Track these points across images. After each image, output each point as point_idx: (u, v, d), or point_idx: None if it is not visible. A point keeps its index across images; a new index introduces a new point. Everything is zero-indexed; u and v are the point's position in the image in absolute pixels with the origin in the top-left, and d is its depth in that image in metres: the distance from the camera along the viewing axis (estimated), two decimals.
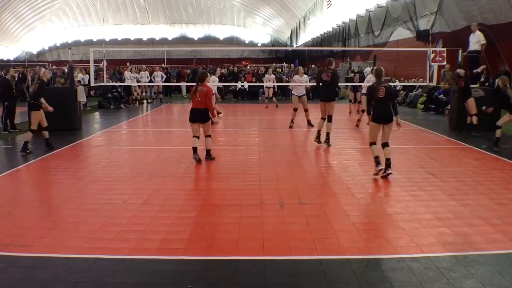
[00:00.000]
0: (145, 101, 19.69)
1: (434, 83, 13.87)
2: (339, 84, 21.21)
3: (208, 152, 7.83)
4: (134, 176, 6.77)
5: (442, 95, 14.70)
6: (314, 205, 5.34)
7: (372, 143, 6.76)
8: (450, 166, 7.33)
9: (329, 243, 4.22)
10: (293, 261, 3.86)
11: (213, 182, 6.46)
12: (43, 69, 11.33)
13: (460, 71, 10.72)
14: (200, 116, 7.63)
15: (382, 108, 6.60)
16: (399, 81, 19.88)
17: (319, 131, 9.28)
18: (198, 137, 7.72)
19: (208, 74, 8.57)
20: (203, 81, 7.73)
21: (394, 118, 6.59)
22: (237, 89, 21.63)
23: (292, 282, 3.49)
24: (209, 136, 7.79)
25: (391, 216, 4.92)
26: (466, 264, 3.73)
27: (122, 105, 17.93)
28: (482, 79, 13.89)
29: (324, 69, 10.31)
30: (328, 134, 9.07)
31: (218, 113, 14.46)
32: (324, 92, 9.27)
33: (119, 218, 4.87)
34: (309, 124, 11.80)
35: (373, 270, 3.67)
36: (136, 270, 3.70)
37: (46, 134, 8.88)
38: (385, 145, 6.68)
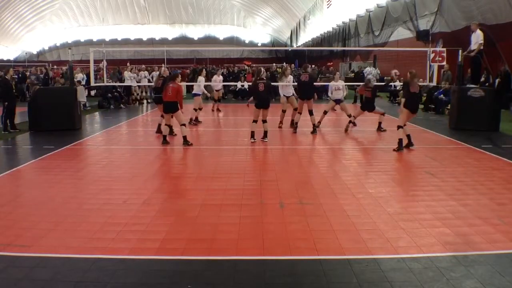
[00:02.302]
0: (145, 101, 19.69)
1: (434, 83, 13.86)
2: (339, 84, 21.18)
3: (184, 138, 9.13)
4: (134, 176, 6.77)
5: (442, 95, 14.70)
6: (314, 205, 5.34)
7: (254, 121, 9.63)
8: (450, 166, 7.33)
9: (329, 243, 4.22)
10: (293, 261, 3.86)
11: (213, 182, 6.46)
12: (163, 67, 12.36)
13: (370, 81, 11.37)
14: (171, 107, 9.06)
15: (261, 97, 9.46)
16: (399, 81, 19.87)
17: (293, 121, 11.31)
18: (171, 126, 9.34)
19: (179, 75, 9.84)
20: (174, 79, 9.30)
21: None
22: (237, 89, 21.64)
23: (292, 282, 3.49)
24: (184, 124, 9.19)
25: (391, 216, 4.92)
26: (466, 264, 3.73)
27: (122, 105, 17.93)
28: (483, 79, 13.90)
29: (302, 71, 11.67)
30: (314, 124, 10.81)
31: (218, 110, 14.89)
32: (303, 92, 10.72)
33: (119, 218, 4.87)
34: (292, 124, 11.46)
35: (373, 270, 3.67)
36: (136, 270, 3.70)
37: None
38: (264, 121, 9.59)
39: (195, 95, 12.84)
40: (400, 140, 8.57)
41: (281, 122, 11.82)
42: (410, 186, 6.13)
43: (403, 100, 9.30)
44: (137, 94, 19.58)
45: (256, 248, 4.10)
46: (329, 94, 12.32)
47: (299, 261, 3.85)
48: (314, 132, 10.71)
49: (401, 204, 5.34)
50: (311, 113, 10.70)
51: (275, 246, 4.14)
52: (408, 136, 8.76)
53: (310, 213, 5.03)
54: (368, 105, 10.92)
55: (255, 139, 9.53)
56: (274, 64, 29.78)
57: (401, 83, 18.85)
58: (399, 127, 8.72)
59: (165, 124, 9.41)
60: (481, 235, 4.35)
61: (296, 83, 11.80)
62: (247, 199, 5.57)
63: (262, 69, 10.29)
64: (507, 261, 3.81)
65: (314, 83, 11.59)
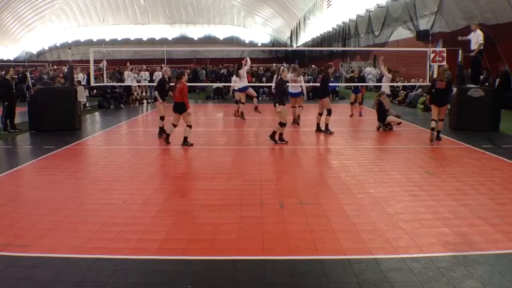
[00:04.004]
0: (145, 101, 19.70)
1: None
2: (340, 84, 21.30)
3: (184, 139, 9.15)
4: (134, 176, 6.77)
5: None
6: (314, 205, 5.34)
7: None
8: (450, 166, 7.33)
9: (329, 243, 4.22)
10: (293, 261, 3.86)
11: (213, 182, 6.46)
12: (165, 68, 12.42)
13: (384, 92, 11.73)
14: (178, 108, 9.07)
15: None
16: (400, 81, 19.88)
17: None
18: (175, 126, 9.29)
19: (185, 73, 9.74)
20: (180, 78, 9.17)
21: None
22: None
23: (292, 282, 3.49)
24: (189, 126, 9.18)
25: (391, 216, 4.91)
26: (466, 264, 3.73)
27: (122, 105, 17.93)
28: (482, 78, 13.91)
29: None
30: (326, 124, 10.75)
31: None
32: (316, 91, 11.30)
33: (119, 218, 4.87)
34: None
35: (373, 270, 3.67)
36: (136, 270, 3.70)
37: (162, 123, 10.27)
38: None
39: (242, 90, 13.14)
40: (432, 129, 9.32)
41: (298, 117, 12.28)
42: (410, 186, 6.13)
43: (428, 96, 10.15)
44: (137, 94, 19.59)
45: (256, 248, 4.10)
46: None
47: (299, 261, 3.85)
48: (327, 131, 10.65)
49: (401, 204, 5.34)
50: (328, 112, 10.62)
51: (275, 246, 4.14)
52: (438, 131, 9.44)
53: (310, 213, 5.03)
54: (381, 116, 11.15)
55: (284, 141, 9.40)
56: (274, 64, 29.79)
57: (402, 83, 18.93)
58: (432, 120, 9.48)
59: (172, 123, 9.34)
60: (481, 235, 4.35)
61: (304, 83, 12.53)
62: (247, 199, 5.57)
63: (282, 67, 10.20)
64: (507, 261, 3.81)
65: (328, 83, 11.23)
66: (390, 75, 12.81)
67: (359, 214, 5.02)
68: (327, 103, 10.75)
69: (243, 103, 13.21)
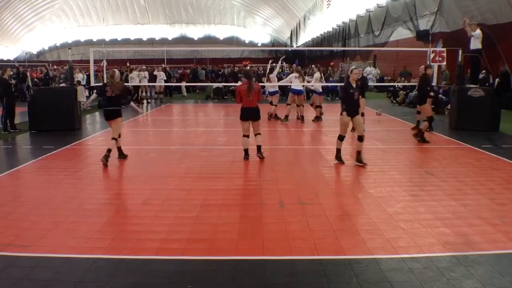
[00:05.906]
0: (145, 101, 19.69)
1: (434, 83, 13.84)
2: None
3: (258, 148, 7.86)
4: (134, 176, 6.77)
5: (442, 95, 14.68)
6: (314, 205, 5.34)
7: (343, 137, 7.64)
8: (450, 166, 7.33)
9: (329, 243, 4.22)
10: (293, 261, 3.86)
11: (213, 182, 6.46)
12: (116, 72, 10.20)
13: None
14: (252, 114, 7.69)
15: (356, 104, 7.40)
16: (400, 81, 19.88)
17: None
18: (248, 136, 7.82)
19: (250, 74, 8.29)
20: (250, 78, 7.75)
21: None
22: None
23: (292, 282, 3.49)
24: (259, 133, 7.89)
25: (391, 216, 4.92)
26: (466, 264, 3.73)
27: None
28: (480, 77, 13.89)
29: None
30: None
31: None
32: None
33: (119, 218, 4.88)
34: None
35: (373, 270, 3.67)
36: (136, 270, 3.70)
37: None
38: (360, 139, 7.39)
39: (271, 94, 13.33)
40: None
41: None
42: (410, 186, 6.13)
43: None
44: (137, 95, 19.61)
45: (256, 248, 4.10)
46: None
47: (299, 261, 3.85)
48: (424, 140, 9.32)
49: (401, 204, 5.34)
50: (429, 119, 9.53)
51: (275, 246, 4.14)
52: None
53: (310, 213, 5.03)
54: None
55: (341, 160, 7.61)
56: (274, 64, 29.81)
57: (402, 84, 18.95)
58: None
59: (244, 135, 7.79)
60: (481, 235, 4.35)
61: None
62: (247, 199, 5.58)
63: (352, 67, 7.94)
64: (507, 261, 3.81)
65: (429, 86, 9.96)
66: (319, 74, 13.02)
67: (359, 214, 5.02)
68: (428, 110, 9.62)
69: (275, 106, 13.14)
